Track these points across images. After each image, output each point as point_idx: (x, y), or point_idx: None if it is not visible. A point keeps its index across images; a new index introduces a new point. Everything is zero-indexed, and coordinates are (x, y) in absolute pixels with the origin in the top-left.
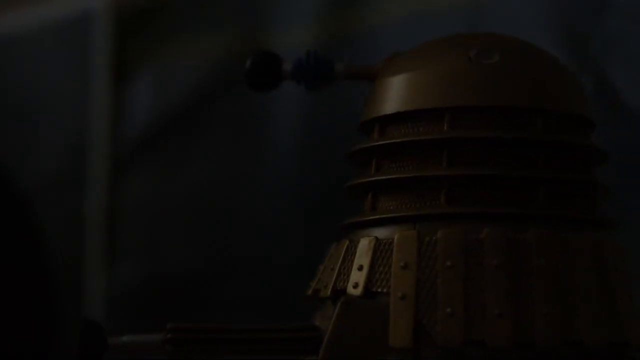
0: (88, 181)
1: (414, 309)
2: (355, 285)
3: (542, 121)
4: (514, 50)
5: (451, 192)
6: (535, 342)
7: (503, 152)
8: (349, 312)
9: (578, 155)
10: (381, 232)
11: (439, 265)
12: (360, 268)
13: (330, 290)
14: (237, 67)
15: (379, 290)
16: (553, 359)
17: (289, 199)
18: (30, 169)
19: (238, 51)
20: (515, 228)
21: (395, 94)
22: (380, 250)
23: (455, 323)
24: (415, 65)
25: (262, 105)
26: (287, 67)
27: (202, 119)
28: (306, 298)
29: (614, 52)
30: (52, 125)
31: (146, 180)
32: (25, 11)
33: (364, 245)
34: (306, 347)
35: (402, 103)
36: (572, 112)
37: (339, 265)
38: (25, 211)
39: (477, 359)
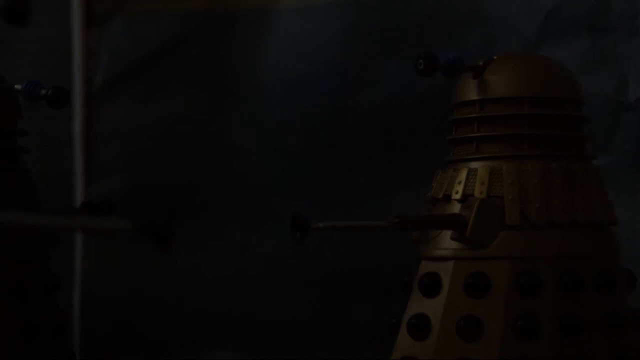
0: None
1: (519, 204)
2: (481, 192)
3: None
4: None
5: (530, 140)
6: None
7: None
8: (482, 206)
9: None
10: (485, 164)
11: (529, 182)
12: (483, 183)
13: (460, 194)
14: (207, 19)
15: (497, 194)
16: None
17: (263, 137)
18: None
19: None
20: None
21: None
22: (494, 173)
23: (541, 211)
24: (500, 71)
25: (236, 54)
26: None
27: (174, 64)
28: None
29: None
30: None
31: (121, 113)
32: None
33: (483, 171)
34: (458, 227)
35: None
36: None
37: (464, 181)
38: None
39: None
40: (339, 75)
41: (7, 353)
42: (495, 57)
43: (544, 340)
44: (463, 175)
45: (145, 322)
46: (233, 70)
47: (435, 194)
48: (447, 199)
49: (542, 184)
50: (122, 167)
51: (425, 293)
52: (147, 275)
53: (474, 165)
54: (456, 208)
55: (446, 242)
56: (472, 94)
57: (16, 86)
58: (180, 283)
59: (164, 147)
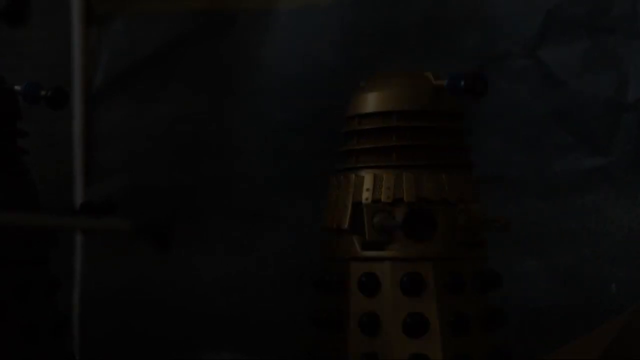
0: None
1: None
2: (366, 198)
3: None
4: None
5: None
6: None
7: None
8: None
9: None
10: (368, 172)
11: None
12: (368, 189)
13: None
14: (208, 20)
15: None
16: None
17: (263, 137)
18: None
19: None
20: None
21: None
22: (376, 180)
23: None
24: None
25: (238, 56)
26: None
27: (174, 64)
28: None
29: None
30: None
31: (121, 113)
32: None
33: (368, 178)
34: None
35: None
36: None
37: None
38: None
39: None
40: (339, 76)
41: (7, 353)
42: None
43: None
44: (352, 181)
45: (145, 323)
46: (233, 70)
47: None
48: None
49: (415, 191)
50: (122, 167)
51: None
52: (146, 276)
53: (361, 173)
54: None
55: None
56: (353, 110)
57: (16, 87)
58: (180, 283)
59: (164, 147)
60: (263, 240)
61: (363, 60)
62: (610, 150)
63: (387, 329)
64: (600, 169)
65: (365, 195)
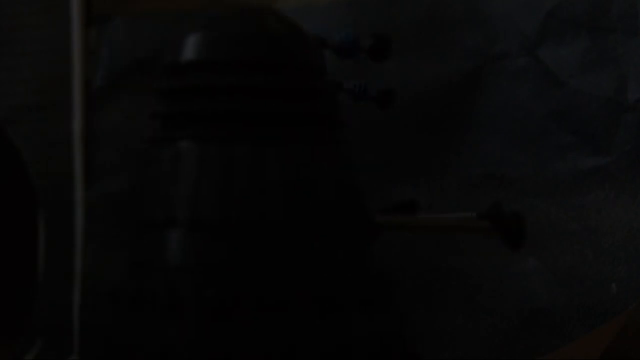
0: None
1: None
2: None
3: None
4: None
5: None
6: None
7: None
8: None
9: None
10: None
11: None
12: None
13: None
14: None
15: None
16: None
17: None
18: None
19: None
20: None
21: None
22: None
23: None
24: None
25: None
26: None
27: None
28: None
29: None
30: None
31: (120, 113)
32: None
33: None
34: None
35: None
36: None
37: None
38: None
39: None
40: (339, 76)
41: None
42: None
43: None
44: None
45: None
46: None
47: None
48: None
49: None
50: (122, 167)
51: None
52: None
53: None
54: None
55: None
56: None
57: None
58: None
59: None
60: None
61: (363, 60)
62: (610, 150)
63: None
64: (600, 169)
65: None
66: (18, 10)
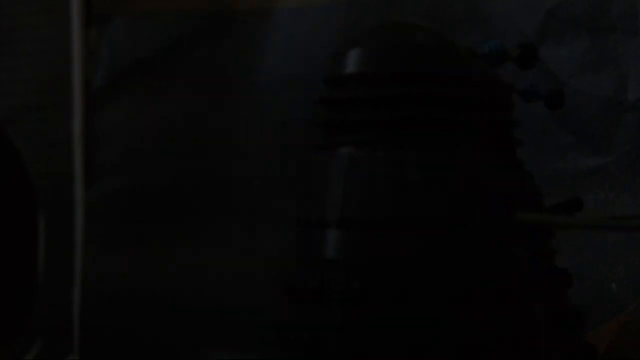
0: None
1: None
2: None
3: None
4: None
5: None
6: None
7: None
8: None
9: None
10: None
11: None
12: None
13: None
14: (208, 20)
15: None
16: None
17: (264, 136)
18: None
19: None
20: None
21: None
22: None
23: None
24: None
25: (237, 55)
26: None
27: (174, 64)
28: None
29: None
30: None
31: (121, 113)
32: None
33: None
34: None
35: None
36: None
37: None
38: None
39: None
40: None
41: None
42: None
43: None
44: None
45: (145, 323)
46: (233, 70)
47: None
48: None
49: None
50: (122, 167)
51: None
52: (146, 276)
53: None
54: None
55: None
56: None
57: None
58: (180, 283)
59: (164, 147)
60: (263, 240)
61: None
62: (610, 150)
63: None
64: (600, 169)
65: None
66: (18, 10)
